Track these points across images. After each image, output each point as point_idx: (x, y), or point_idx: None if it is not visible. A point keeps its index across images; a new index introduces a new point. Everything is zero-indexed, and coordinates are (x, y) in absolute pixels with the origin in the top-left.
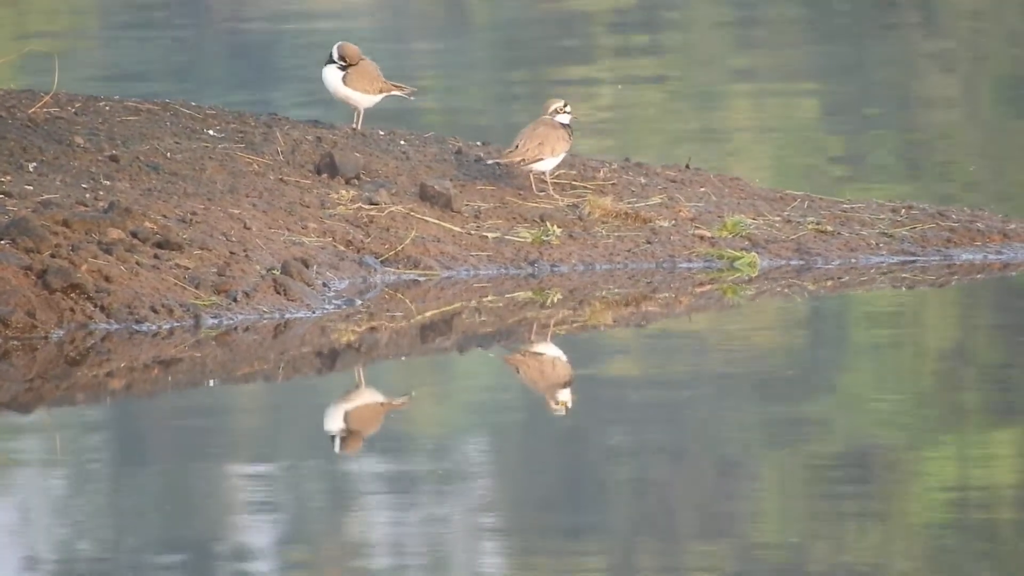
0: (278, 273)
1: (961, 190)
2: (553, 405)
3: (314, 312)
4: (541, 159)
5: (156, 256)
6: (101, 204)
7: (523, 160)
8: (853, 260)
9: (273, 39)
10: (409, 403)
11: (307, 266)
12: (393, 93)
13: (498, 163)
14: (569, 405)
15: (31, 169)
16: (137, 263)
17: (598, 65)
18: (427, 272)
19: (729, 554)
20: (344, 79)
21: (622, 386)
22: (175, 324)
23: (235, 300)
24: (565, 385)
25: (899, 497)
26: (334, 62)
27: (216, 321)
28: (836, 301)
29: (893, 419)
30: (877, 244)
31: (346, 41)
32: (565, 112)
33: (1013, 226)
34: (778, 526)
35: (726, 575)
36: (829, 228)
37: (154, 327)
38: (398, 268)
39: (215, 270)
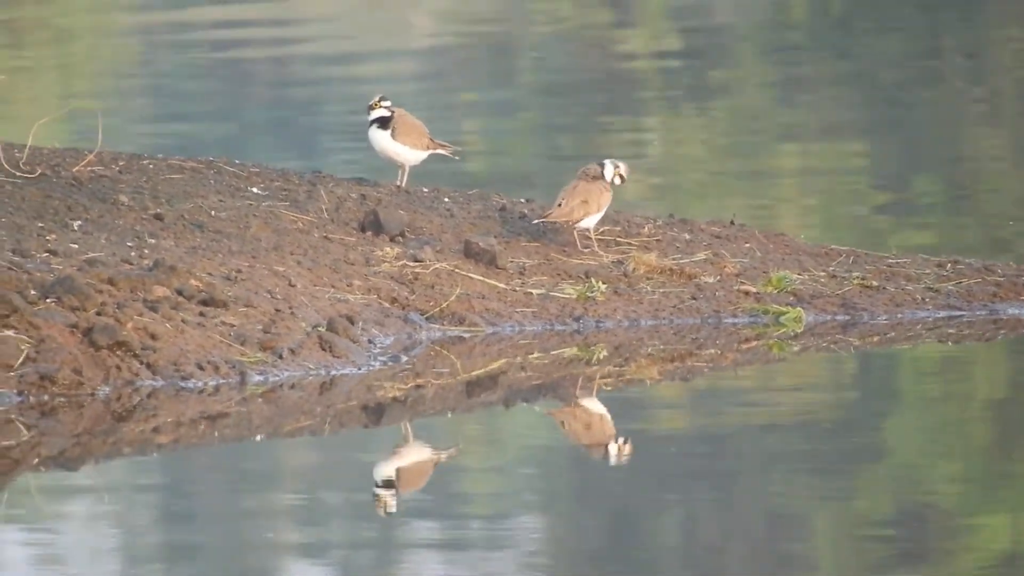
0: (323, 330)
1: (1007, 245)
2: (599, 460)
3: (360, 369)
4: (586, 215)
5: (201, 313)
6: (146, 262)
7: (568, 221)
8: (899, 315)
9: (317, 98)
10: (455, 457)
11: (352, 323)
12: (438, 151)
13: (543, 221)
14: (615, 460)
15: (76, 227)
16: (183, 320)
17: (643, 121)
18: (472, 328)
19: None
20: (393, 135)
21: (668, 442)
22: (221, 381)
23: (281, 357)
24: (611, 440)
25: (948, 555)
26: (375, 123)
27: (262, 378)
28: (882, 356)
29: (942, 476)
30: (923, 299)
31: (379, 95)
32: (619, 175)
33: None
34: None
35: None
36: (874, 283)
37: (200, 384)
38: (443, 325)
39: (260, 327)
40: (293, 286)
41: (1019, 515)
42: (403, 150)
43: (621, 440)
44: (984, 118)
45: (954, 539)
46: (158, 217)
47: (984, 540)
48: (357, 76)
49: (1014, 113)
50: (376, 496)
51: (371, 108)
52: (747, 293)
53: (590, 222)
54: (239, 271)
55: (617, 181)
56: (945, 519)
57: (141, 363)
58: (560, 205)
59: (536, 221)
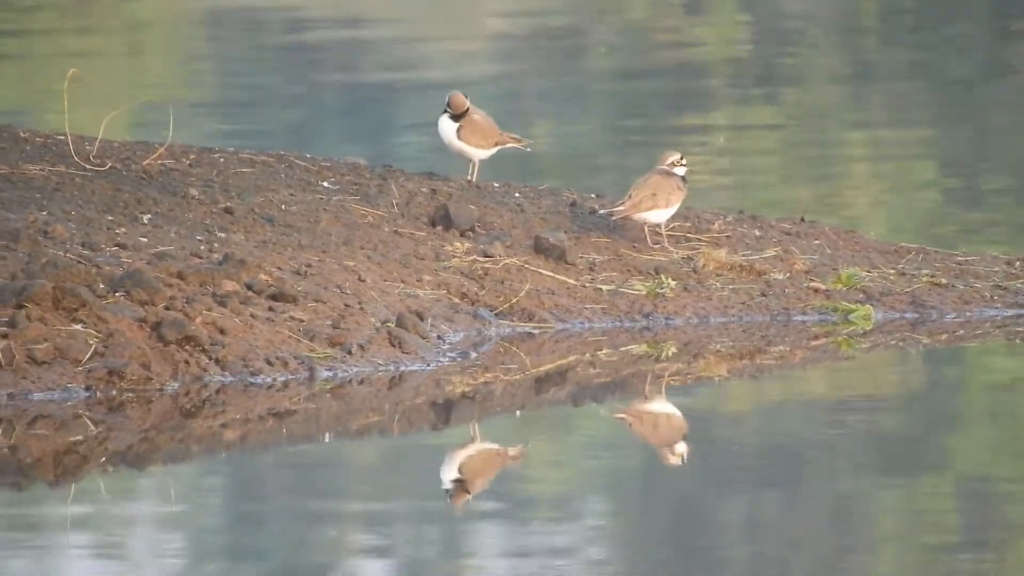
0: (393, 325)
1: None
2: (668, 459)
3: (429, 365)
4: (655, 210)
5: (271, 308)
6: (216, 256)
7: (636, 210)
8: (968, 313)
9: (388, 89)
10: (524, 455)
11: (422, 319)
12: (508, 146)
13: (611, 213)
14: (685, 459)
15: (146, 221)
16: (252, 315)
17: (714, 115)
18: (541, 325)
19: None
20: (458, 133)
21: (737, 440)
22: (290, 376)
23: (350, 352)
24: (680, 439)
25: (1014, 551)
26: (448, 112)
27: (331, 374)
28: (951, 354)
29: (1011, 478)
30: (992, 297)
31: (457, 91)
32: (681, 164)
33: None
34: None
35: None
36: (944, 281)
37: (269, 379)
38: (512, 321)
39: (330, 322)
40: (363, 281)
41: None
42: (468, 148)
43: (688, 440)
44: None
45: (1019, 541)
46: (228, 211)
47: None
48: (426, 62)
49: None
50: (444, 495)
51: (448, 105)
52: (816, 290)
53: (659, 216)
54: (309, 266)
55: (681, 172)
56: (1010, 522)
57: (209, 358)
58: (630, 198)
59: (602, 212)
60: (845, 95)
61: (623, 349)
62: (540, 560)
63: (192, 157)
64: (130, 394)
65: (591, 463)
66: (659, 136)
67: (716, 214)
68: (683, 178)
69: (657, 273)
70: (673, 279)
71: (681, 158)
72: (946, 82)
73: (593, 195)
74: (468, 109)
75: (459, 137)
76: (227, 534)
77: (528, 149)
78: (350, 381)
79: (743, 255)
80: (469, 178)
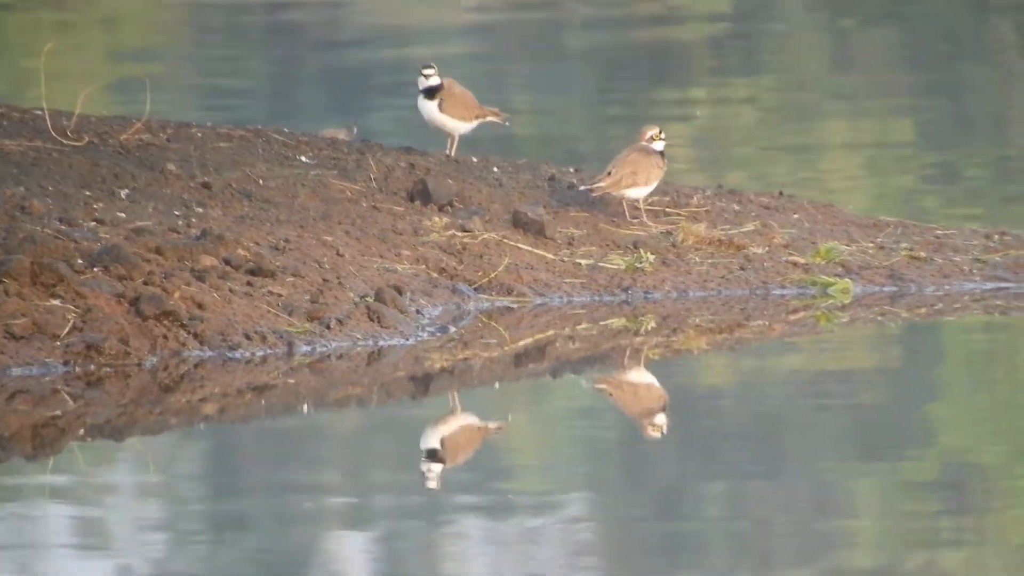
0: (371, 300)
1: None
2: (647, 431)
3: (407, 339)
4: (634, 187)
5: (249, 283)
6: (193, 231)
7: (615, 187)
8: (947, 286)
9: (366, 63)
10: (505, 428)
11: (400, 293)
12: (488, 119)
13: (590, 190)
14: (664, 431)
15: (123, 196)
16: (230, 290)
17: (692, 92)
18: (520, 299)
19: None
20: (440, 106)
21: (715, 413)
22: (268, 351)
23: (328, 327)
24: (659, 411)
25: (995, 522)
26: (425, 89)
27: (309, 348)
28: (930, 328)
29: (988, 449)
30: (970, 270)
31: (429, 61)
32: (660, 139)
33: None
34: (873, 551)
35: None
36: (922, 254)
37: (247, 354)
38: (491, 295)
39: (308, 297)
40: (341, 256)
41: None
42: (450, 121)
43: (667, 412)
44: None
45: (1000, 511)
46: (206, 186)
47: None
48: (405, 38)
49: None
50: (422, 468)
51: (422, 77)
52: (795, 264)
53: (638, 193)
54: (287, 240)
55: (660, 147)
56: (991, 492)
57: (188, 333)
58: (610, 174)
59: (582, 188)
60: (825, 70)
61: (602, 323)
62: (519, 533)
63: (170, 132)
64: (108, 369)
65: (571, 435)
66: (638, 109)
67: (695, 188)
68: (662, 153)
69: (636, 247)
70: (652, 253)
71: (660, 132)
72: (926, 56)
73: (572, 169)
74: (444, 84)
75: (441, 110)
76: (205, 507)
77: (507, 123)
78: (329, 356)
79: (722, 229)
80: (448, 153)
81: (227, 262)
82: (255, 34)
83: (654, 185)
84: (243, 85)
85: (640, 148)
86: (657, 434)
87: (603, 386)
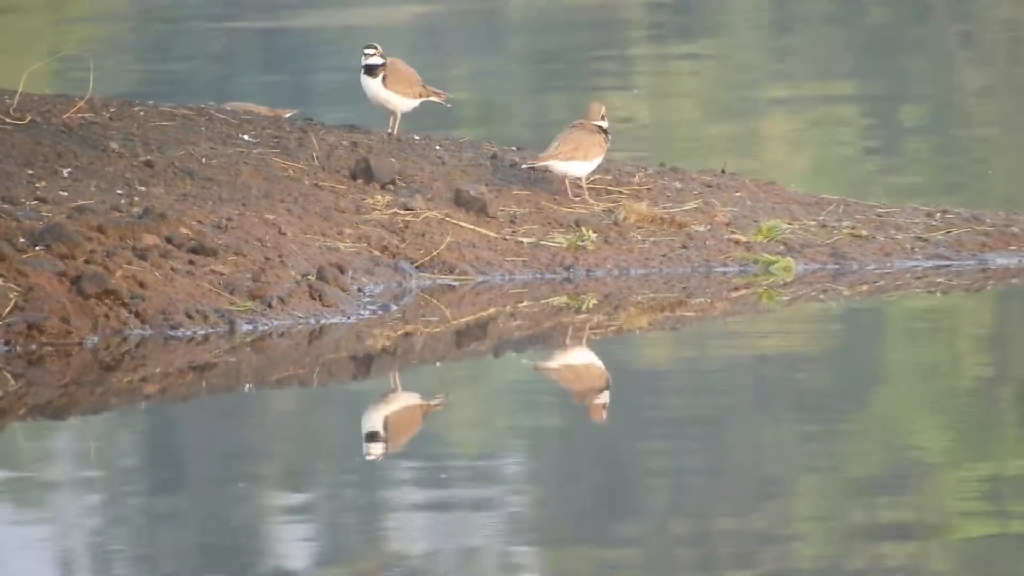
0: (313, 279)
1: (996, 194)
2: (588, 410)
3: (349, 318)
4: (575, 161)
5: (191, 262)
6: (136, 210)
7: (558, 160)
8: (888, 265)
9: (309, 42)
10: (445, 406)
11: (342, 271)
12: (431, 99)
13: (532, 167)
14: (604, 410)
15: (66, 175)
16: (172, 269)
17: (634, 69)
18: (462, 277)
19: (766, 567)
20: (384, 82)
21: (657, 392)
22: (210, 330)
23: (270, 306)
24: (600, 390)
25: (936, 511)
26: (367, 66)
27: (251, 327)
28: (871, 305)
29: (926, 424)
30: (912, 248)
31: (373, 42)
32: (602, 118)
33: None
34: (814, 541)
35: None
36: (864, 232)
37: (189, 333)
38: (433, 273)
39: (250, 276)
40: (283, 234)
41: (1003, 462)
42: (394, 97)
43: (609, 390)
44: (972, 59)
45: (936, 487)
46: (148, 164)
47: (967, 488)
48: (349, 22)
49: (1003, 54)
50: (363, 446)
51: (364, 55)
52: (737, 242)
53: (581, 169)
54: (229, 219)
55: (604, 125)
56: (928, 466)
57: (130, 312)
58: (552, 150)
59: (525, 166)
60: (764, 44)
61: (544, 301)
62: (460, 512)
63: (112, 111)
64: (50, 348)
65: (512, 413)
66: (579, 92)
67: (637, 166)
68: (605, 131)
69: (578, 226)
70: (594, 231)
71: (602, 110)
72: (867, 30)
73: (514, 148)
74: (388, 62)
75: (385, 86)
76: (144, 488)
77: (449, 105)
78: (270, 334)
79: (664, 207)
80: (390, 131)
81: (169, 241)
82: (197, 10)
83: (597, 163)
84: (185, 63)
85: (583, 126)
86: (599, 413)
87: (544, 367)
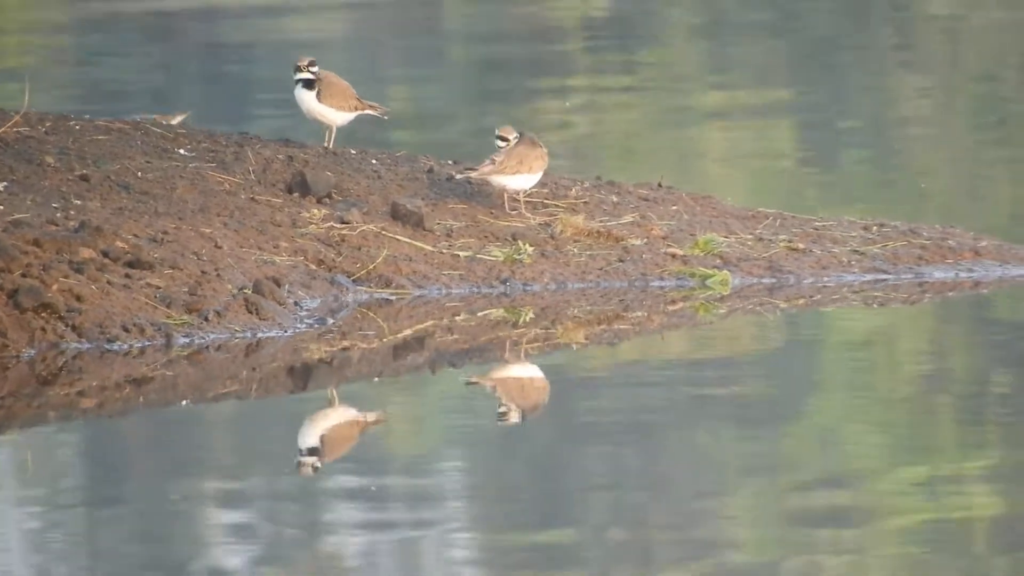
0: (249, 292)
1: (933, 207)
2: (524, 422)
3: (286, 331)
4: (518, 175)
5: (127, 275)
6: (72, 224)
7: (500, 174)
8: (825, 278)
9: (246, 60)
10: (383, 421)
11: (279, 285)
12: (367, 112)
13: (474, 180)
14: (540, 423)
15: (1, 188)
16: (108, 282)
17: (571, 78)
18: (399, 291)
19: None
20: (318, 96)
21: (595, 408)
22: (146, 343)
23: (206, 319)
24: (538, 403)
25: (873, 522)
26: (301, 80)
27: (187, 340)
28: (808, 319)
29: (863, 439)
30: (849, 262)
31: (303, 54)
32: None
33: (984, 244)
34: (752, 551)
35: None
36: (801, 246)
37: (125, 346)
38: (370, 287)
39: (186, 289)
40: (219, 248)
41: (938, 478)
42: (329, 111)
43: (546, 403)
44: (909, 67)
45: (874, 502)
46: (84, 178)
47: (904, 501)
48: (286, 32)
49: (941, 62)
50: (300, 460)
51: (298, 69)
52: (674, 256)
53: (521, 183)
54: (165, 233)
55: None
56: (865, 480)
57: (66, 325)
58: (493, 163)
59: (459, 177)
60: (703, 56)
61: (481, 315)
62: (400, 530)
63: (48, 124)
64: None
65: (449, 427)
66: (517, 107)
67: (573, 180)
68: (543, 147)
69: (515, 239)
70: (531, 245)
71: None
72: (805, 43)
73: (450, 161)
74: (322, 76)
75: (319, 100)
76: (82, 498)
77: (385, 117)
78: (207, 347)
79: (600, 221)
80: (326, 144)
81: (105, 254)
82: (134, 24)
83: (538, 177)
84: (122, 76)
85: (526, 140)
86: (536, 425)
87: (479, 381)
